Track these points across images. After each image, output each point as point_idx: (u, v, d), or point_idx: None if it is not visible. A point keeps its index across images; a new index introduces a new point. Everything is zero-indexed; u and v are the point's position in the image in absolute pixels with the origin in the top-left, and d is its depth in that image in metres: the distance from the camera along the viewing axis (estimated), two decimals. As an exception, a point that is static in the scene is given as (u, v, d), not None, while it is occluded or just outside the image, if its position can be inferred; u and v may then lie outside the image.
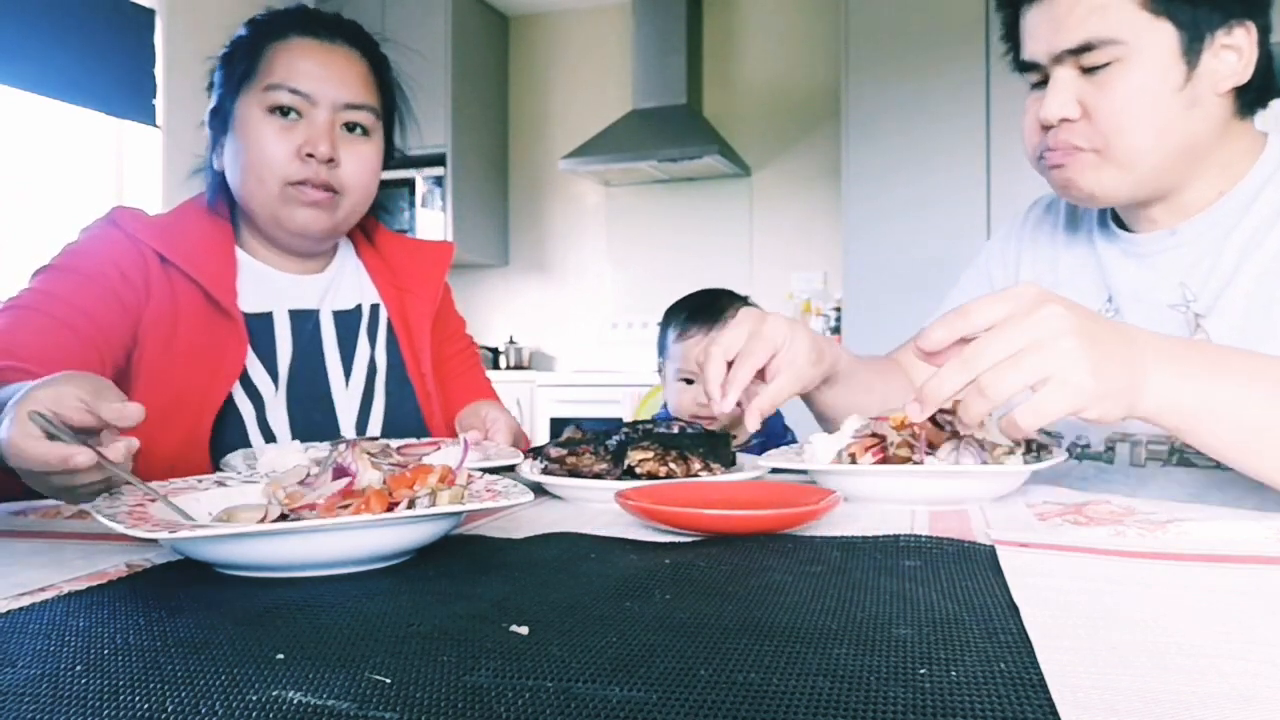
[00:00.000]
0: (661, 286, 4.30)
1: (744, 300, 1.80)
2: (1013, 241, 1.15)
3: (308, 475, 0.60)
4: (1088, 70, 0.88)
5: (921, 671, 0.35)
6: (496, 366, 4.41)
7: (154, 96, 3.42)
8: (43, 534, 0.69)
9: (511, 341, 4.46)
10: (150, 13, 3.40)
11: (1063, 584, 0.49)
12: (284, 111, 1.05)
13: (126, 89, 3.32)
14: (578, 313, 4.53)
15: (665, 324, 1.82)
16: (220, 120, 1.10)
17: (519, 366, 4.40)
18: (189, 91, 3.47)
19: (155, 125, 3.42)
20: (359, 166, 1.09)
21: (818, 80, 4.09)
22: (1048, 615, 0.43)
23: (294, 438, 1.06)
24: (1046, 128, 0.92)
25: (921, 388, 0.65)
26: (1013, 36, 0.98)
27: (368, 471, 0.58)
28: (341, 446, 0.60)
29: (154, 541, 0.64)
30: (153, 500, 0.60)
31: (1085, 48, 0.87)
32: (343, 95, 1.07)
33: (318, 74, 1.06)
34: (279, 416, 1.08)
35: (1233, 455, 0.72)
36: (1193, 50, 0.87)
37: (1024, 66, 0.94)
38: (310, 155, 1.04)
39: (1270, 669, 0.36)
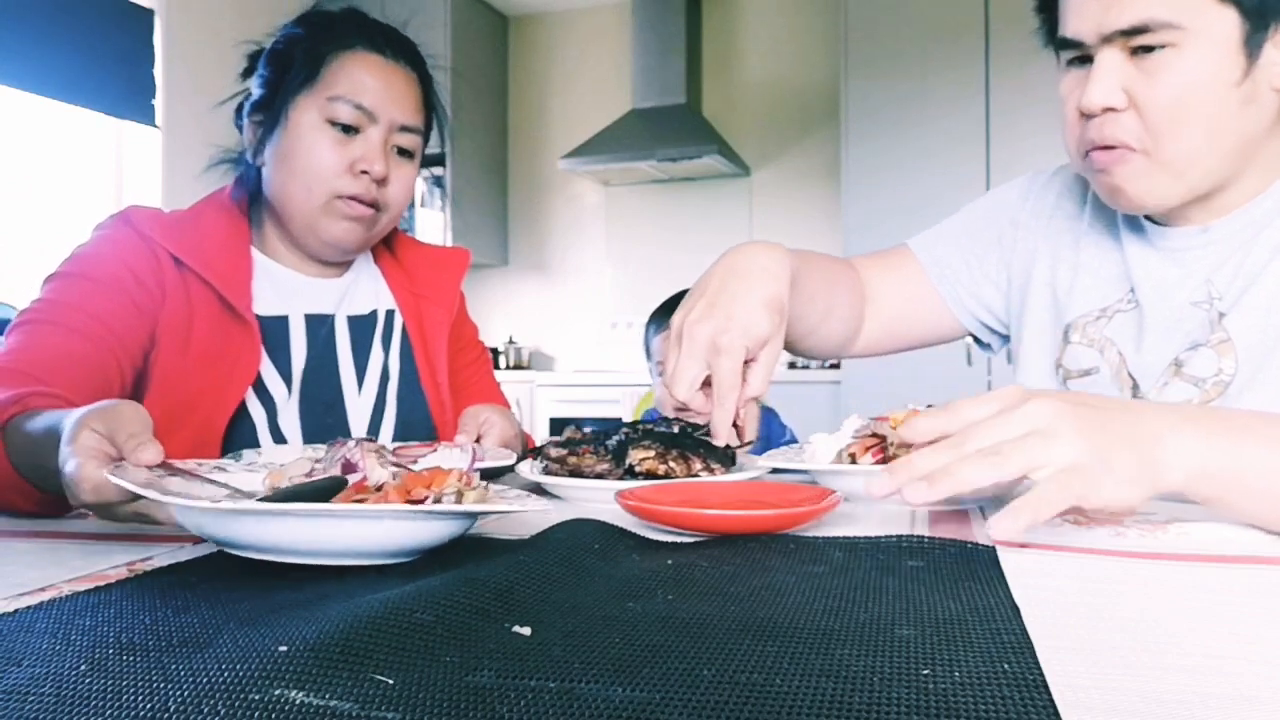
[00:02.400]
0: (661, 286, 4.26)
1: None
2: (1032, 201, 1.09)
3: (312, 470, 0.59)
4: (1137, 55, 0.82)
5: (925, 672, 0.35)
6: (496, 366, 4.41)
7: (153, 96, 3.41)
8: (43, 534, 0.69)
9: (511, 341, 4.47)
10: (150, 13, 3.40)
11: (1063, 584, 0.50)
12: (344, 126, 1.05)
13: (126, 89, 3.32)
14: (577, 313, 4.54)
15: (647, 332, 1.91)
16: (270, 117, 1.08)
17: (518, 366, 4.40)
18: (189, 91, 3.47)
19: (155, 125, 3.42)
20: (402, 186, 1.10)
21: (817, 80, 4.10)
22: (1049, 616, 0.43)
23: (305, 444, 1.05)
24: (1088, 116, 0.85)
25: (894, 465, 0.60)
26: (1049, 8, 0.91)
27: (376, 469, 0.58)
28: (350, 443, 0.60)
29: (155, 540, 0.64)
30: (172, 475, 0.60)
31: (1139, 29, 0.80)
32: (399, 116, 1.07)
33: (381, 92, 1.06)
34: (291, 422, 1.07)
35: (1262, 523, 0.65)
36: (1255, 41, 0.80)
37: (1063, 43, 0.87)
38: (364, 172, 1.05)
39: (1272, 669, 0.36)
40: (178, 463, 0.65)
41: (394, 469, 0.59)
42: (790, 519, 0.65)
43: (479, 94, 4.39)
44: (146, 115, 3.39)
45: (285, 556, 0.53)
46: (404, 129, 1.08)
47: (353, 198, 1.05)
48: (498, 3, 4.49)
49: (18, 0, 2.95)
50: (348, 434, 1.10)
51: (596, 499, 0.80)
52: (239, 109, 1.13)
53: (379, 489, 0.57)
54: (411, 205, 4.14)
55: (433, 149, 1.12)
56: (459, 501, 0.55)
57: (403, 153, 1.10)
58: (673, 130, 3.95)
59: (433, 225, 4.16)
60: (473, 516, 0.57)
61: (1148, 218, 0.97)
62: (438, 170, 4.15)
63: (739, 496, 0.73)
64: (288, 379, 1.08)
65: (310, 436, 1.07)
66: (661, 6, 4.09)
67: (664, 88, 4.08)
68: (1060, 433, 0.57)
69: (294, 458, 0.81)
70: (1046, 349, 1.04)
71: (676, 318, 0.85)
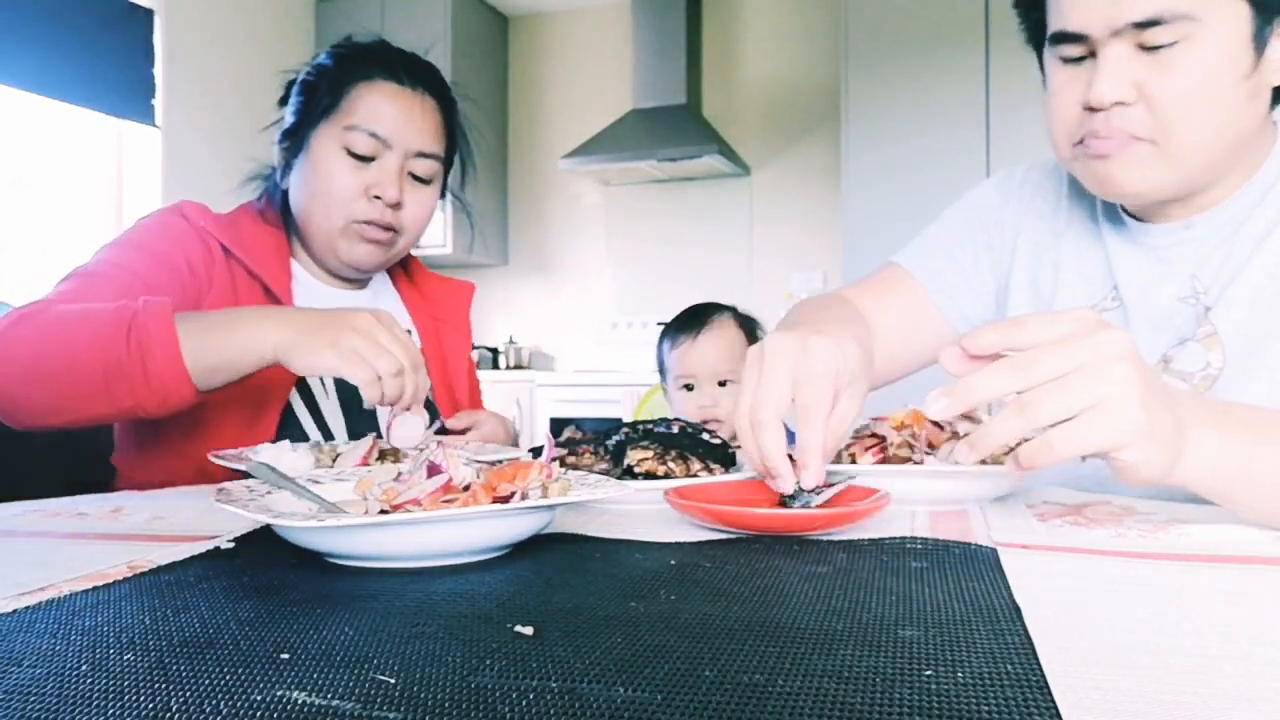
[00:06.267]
0: (661, 286, 4.29)
1: (731, 310, 1.81)
2: (1012, 203, 1.07)
3: (399, 475, 0.62)
4: (1145, 49, 0.80)
5: (927, 673, 0.35)
6: (496, 366, 4.41)
7: (153, 96, 3.41)
8: (43, 534, 0.69)
9: (511, 341, 4.46)
10: (150, 13, 3.40)
11: (1064, 585, 0.50)
12: (360, 155, 1.09)
13: (126, 89, 3.32)
14: (577, 313, 4.53)
15: (659, 345, 1.86)
16: (295, 143, 1.13)
17: (519, 366, 4.40)
18: (189, 91, 3.47)
19: (155, 125, 3.41)
20: (419, 210, 1.15)
21: (817, 80, 4.09)
22: (1050, 616, 0.43)
23: (347, 440, 1.10)
24: (1092, 110, 0.83)
25: (955, 386, 0.56)
26: (1036, 4, 0.89)
27: (459, 469, 0.60)
28: (433, 445, 0.64)
29: (154, 540, 0.64)
30: (268, 493, 0.63)
31: (1153, 22, 0.78)
32: (416, 143, 1.12)
33: (397, 120, 1.10)
34: (333, 412, 1.11)
35: (1269, 521, 0.65)
36: (1262, 34, 0.79)
37: (1062, 37, 0.84)
38: (378, 197, 1.09)
39: (1272, 669, 0.36)
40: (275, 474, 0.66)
41: (477, 466, 0.62)
42: (846, 517, 0.64)
43: (479, 94, 4.39)
44: (146, 115, 3.39)
45: (396, 562, 0.55)
46: (420, 155, 1.12)
47: (369, 222, 1.10)
48: (498, 3, 4.49)
49: (18, 0, 2.95)
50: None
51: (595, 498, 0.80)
52: (284, 133, 1.18)
53: (466, 488, 0.59)
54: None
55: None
56: (545, 495, 0.58)
57: (419, 179, 1.13)
58: (673, 130, 3.94)
59: (432, 225, 4.15)
60: (554, 506, 0.60)
61: (1129, 214, 0.96)
62: (438, 170, 4.14)
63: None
64: (322, 380, 1.12)
65: (353, 434, 1.11)
66: (661, 6, 4.09)
67: (664, 88, 4.07)
68: (1124, 375, 0.54)
69: (287, 463, 0.83)
70: None
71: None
